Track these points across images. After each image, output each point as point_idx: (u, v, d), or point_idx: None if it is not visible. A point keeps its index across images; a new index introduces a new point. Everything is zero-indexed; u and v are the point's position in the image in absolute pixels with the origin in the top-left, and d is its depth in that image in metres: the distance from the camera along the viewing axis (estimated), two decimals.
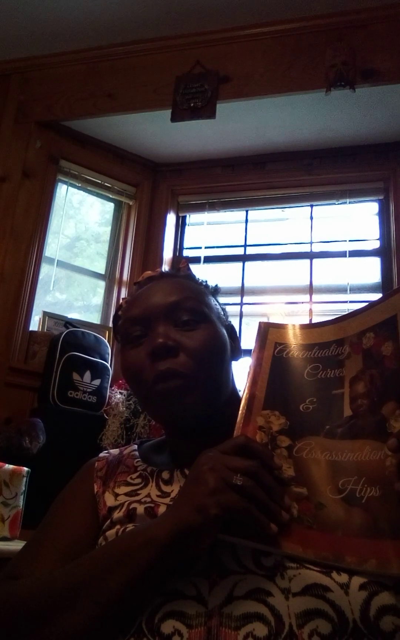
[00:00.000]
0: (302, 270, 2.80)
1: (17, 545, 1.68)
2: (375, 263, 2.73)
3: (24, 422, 2.29)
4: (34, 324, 2.59)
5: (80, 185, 2.87)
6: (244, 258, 2.93)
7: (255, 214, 2.99)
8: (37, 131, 2.70)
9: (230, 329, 0.84)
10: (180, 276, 0.87)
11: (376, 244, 2.74)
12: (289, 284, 2.81)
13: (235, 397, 0.80)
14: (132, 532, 0.64)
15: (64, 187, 2.85)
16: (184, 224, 3.05)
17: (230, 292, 2.82)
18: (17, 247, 2.55)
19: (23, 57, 2.73)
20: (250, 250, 2.93)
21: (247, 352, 0.79)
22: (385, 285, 2.64)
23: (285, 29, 2.44)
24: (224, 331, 0.81)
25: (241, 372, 0.81)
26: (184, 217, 3.05)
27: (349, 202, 2.80)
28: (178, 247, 3.01)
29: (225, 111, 2.47)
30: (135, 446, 0.87)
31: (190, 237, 3.04)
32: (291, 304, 2.77)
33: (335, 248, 2.79)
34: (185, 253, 3.00)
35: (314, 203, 2.87)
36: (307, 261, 2.80)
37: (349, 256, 2.74)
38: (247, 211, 2.98)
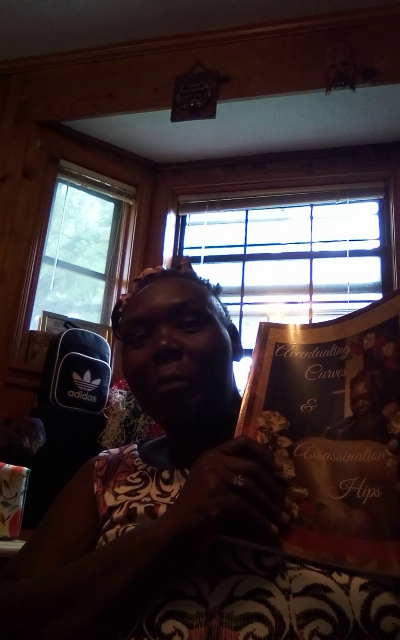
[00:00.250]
0: (302, 270, 2.80)
1: (17, 545, 1.68)
2: (375, 263, 2.73)
3: (24, 422, 2.29)
4: (34, 324, 2.59)
5: (80, 185, 2.87)
6: (244, 258, 2.93)
7: (255, 213, 2.99)
8: (37, 131, 2.70)
9: (232, 328, 0.84)
10: (182, 275, 0.86)
11: (376, 244, 2.74)
12: (289, 283, 2.81)
13: (236, 397, 0.80)
14: (132, 533, 0.64)
15: (64, 187, 2.85)
16: (184, 223, 3.05)
17: (230, 292, 2.82)
18: (17, 247, 2.55)
19: (23, 57, 2.73)
20: (250, 250, 2.93)
21: (248, 352, 0.79)
22: (385, 285, 2.65)
23: (285, 29, 2.44)
24: (227, 332, 0.81)
25: (242, 372, 0.81)
26: (184, 217, 3.05)
27: (349, 202, 2.80)
28: (178, 246, 3.01)
29: (225, 111, 2.47)
30: (135, 445, 0.87)
31: (190, 237, 3.04)
32: (291, 303, 2.77)
33: (335, 248, 2.79)
34: (185, 253, 3.00)
35: (314, 203, 2.87)
36: (307, 261, 2.80)
37: (349, 256, 2.74)
38: (247, 211, 2.98)
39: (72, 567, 0.65)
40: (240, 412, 0.69)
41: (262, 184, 2.87)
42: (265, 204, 2.93)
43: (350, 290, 2.68)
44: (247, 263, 2.91)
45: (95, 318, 2.85)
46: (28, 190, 2.63)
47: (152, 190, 2.98)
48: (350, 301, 2.66)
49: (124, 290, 2.85)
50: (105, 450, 0.88)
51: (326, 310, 2.71)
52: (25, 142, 2.67)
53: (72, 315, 2.75)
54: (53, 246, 2.78)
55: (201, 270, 1.06)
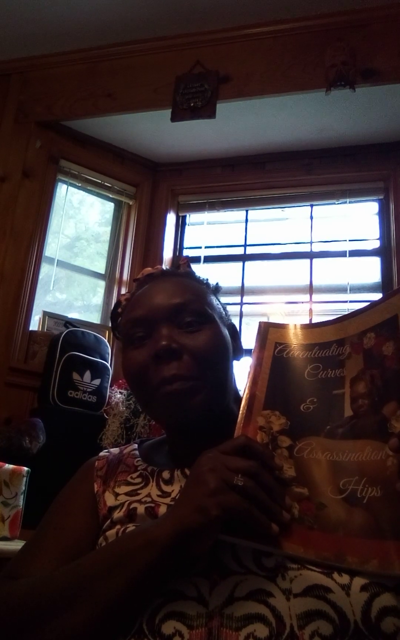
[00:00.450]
0: (302, 270, 2.80)
1: (17, 545, 1.68)
2: (375, 263, 2.73)
3: (24, 422, 2.29)
4: (34, 324, 2.59)
5: (80, 185, 2.87)
6: (244, 258, 2.93)
7: (255, 213, 2.99)
8: (37, 131, 2.70)
9: (231, 328, 0.84)
10: (181, 274, 0.86)
11: (376, 244, 2.74)
12: (289, 283, 2.81)
13: (236, 397, 0.80)
14: (132, 533, 0.64)
15: (64, 187, 2.85)
16: (184, 223, 3.05)
17: (230, 292, 2.82)
18: (17, 247, 2.55)
19: (23, 57, 2.73)
20: (250, 250, 2.93)
21: (248, 352, 0.79)
22: (385, 285, 2.64)
23: (285, 29, 2.44)
24: (226, 331, 0.80)
25: (242, 372, 0.80)
26: (184, 217, 3.05)
27: (349, 202, 2.80)
28: (178, 246, 3.01)
29: (225, 111, 2.47)
30: (136, 445, 0.86)
31: (190, 237, 3.04)
32: (291, 303, 2.77)
33: (335, 248, 2.79)
34: (185, 253, 3.00)
35: (314, 203, 2.87)
36: (307, 261, 2.80)
37: (349, 256, 2.74)
38: (247, 211, 2.98)
39: (72, 567, 0.65)
40: (240, 412, 0.69)
41: (262, 184, 2.86)
42: (265, 204, 2.93)
43: (350, 290, 2.68)
44: (247, 263, 2.91)
45: (95, 318, 2.85)
46: (28, 190, 2.63)
47: (152, 190, 2.97)
48: (350, 301, 2.66)
49: (124, 291, 2.85)
50: (106, 450, 0.87)
51: (326, 310, 2.71)
52: (25, 142, 2.67)
53: (72, 315, 2.75)
54: (53, 246, 2.77)
55: (201, 271, 1.06)
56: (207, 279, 0.87)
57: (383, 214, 2.77)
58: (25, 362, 2.48)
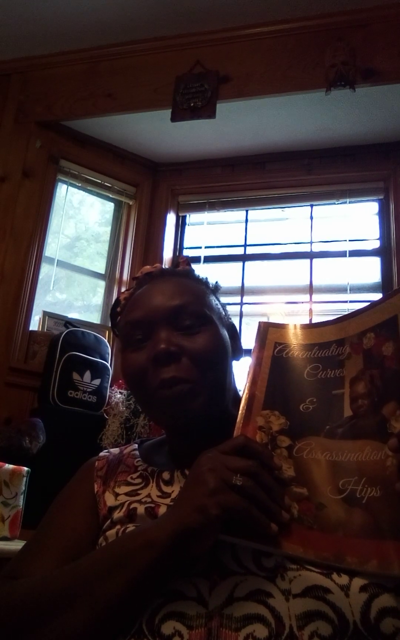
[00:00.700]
0: (302, 270, 2.80)
1: (17, 545, 1.68)
2: (375, 263, 2.73)
3: (24, 422, 2.29)
4: (34, 324, 2.59)
5: (80, 185, 2.87)
6: (244, 258, 2.93)
7: (255, 213, 2.99)
8: (37, 131, 2.70)
9: (231, 328, 0.83)
10: (180, 274, 0.85)
11: (376, 244, 2.74)
12: (289, 283, 2.81)
13: (236, 397, 0.79)
14: (132, 533, 0.64)
15: (64, 187, 2.85)
16: (184, 223, 3.05)
17: (230, 292, 2.82)
18: (17, 247, 2.55)
19: (23, 57, 2.73)
20: (250, 250, 2.93)
21: (247, 352, 0.78)
22: (385, 285, 2.64)
23: (285, 29, 2.44)
24: (226, 332, 0.80)
25: (241, 372, 0.80)
26: (184, 217, 3.05)
27: (349, 202, 2.80)
28: (178, 246, 3.01)
29: (225, 111, 2.47)
30: (136, 445, 0.86)
31: (190, 237, 3.04)
32: (291, 303, 2.77)
33: (335, 248, 2.79)
34: (185, 253, 3.00)
35: (314, 203, 2.87)
36: (307, 261, 2.80)
37: (349, 256, 2.74)
38: (247, 211, 2.98)
39: (72, 568, 0.65)
40: (240, 412, 0.69)
41: (262, 184, 2.86)
42: (265, 204, 2.93)
43: (350, 290, 2.68)
44: (247, 263, 2.91)
45: (95, 318, 2.85)
46: (28, 190, 2.63)
47: (152, 190, 2.97)
48: (350, 301, 2.66)
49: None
50: (106, 450, 0.87)
51: (326, 310, 2.71)
52: (25, 142, 2.67)
53: (72, 315, 2.75)
54: (53, 246, 2.77)
55: (201, 271, 1.06)
56: (206, 278, 0.87)
57: (383, 214, 2.77)
58: (25, 362, 2.48)
